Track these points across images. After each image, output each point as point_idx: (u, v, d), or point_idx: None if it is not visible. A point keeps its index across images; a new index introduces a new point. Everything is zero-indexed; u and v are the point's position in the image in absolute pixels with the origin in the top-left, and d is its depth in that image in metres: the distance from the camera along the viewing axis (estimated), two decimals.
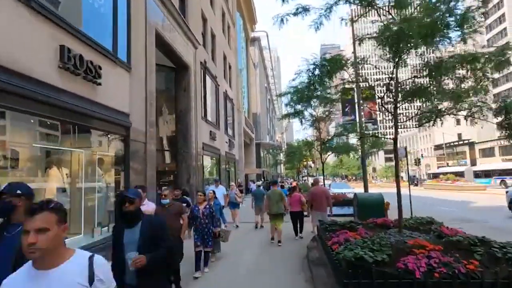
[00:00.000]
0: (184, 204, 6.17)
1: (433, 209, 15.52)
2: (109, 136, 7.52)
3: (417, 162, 40.98)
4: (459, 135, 74.50)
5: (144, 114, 8.66)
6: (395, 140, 5.28)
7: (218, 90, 18.60)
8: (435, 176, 44.46)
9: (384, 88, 5.15)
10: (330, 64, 4.53)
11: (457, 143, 68.83)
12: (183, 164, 12.75)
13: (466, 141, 65.81)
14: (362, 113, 15.93)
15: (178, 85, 13.09)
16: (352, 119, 15.67)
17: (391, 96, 5.22)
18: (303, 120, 15.99)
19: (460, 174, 37.44)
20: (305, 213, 8.77)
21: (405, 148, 11.72)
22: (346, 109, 16.30)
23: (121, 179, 7.89)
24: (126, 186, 7.65)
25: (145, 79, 8.84)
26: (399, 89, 5.08)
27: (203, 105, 15.16)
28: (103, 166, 7.81)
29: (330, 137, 14.93)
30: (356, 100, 14.54)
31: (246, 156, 34.07)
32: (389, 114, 5.41)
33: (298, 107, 16.96)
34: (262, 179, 37.98)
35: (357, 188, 29.69)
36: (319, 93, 16.21)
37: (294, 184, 25.49)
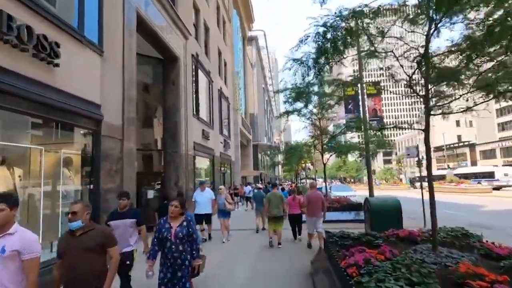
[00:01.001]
0: (133, 220, 4.30)
1: (439, 213, 14.33)
2: (76, 130, 6.33)
3: (419, 163, 39.87)
4: (459, 137, 73.62)
5: (120, 107, 7.47)
6: (426, 130, 4.12)
7: (212, 87, 17.42)
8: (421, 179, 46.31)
9: (414, 63, 3.98)
10: (350, 19, 3.37)
11: (457, 144, 67.91)
12: (171, 165, 11.53)
13: (467, 143, 64.85)
14: (366, 110, 14.82)
15: (166, 78, 11.91)
16: (356, 116, 14.55)
17: (420, 75, 4.06)
18: (303, 110, 14.93)
19: (443, 177, 40.42)
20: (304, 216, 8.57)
21: (417, 147, 10.59)
22: (349, 106, 15.16)
23: (94, 182, 6.68)
24: (95, 190, 6.45)
25: (123, 66, 7.65)
26: (433, 65, 3.93)
27: (195, 101, 13.98)
28: (72, 167, 6.61)
29: (333, 134, 13.73)
30: (361, 93, 13.38)
31: (243, 158, 32.87)
32: (416, 98, 4.24)
33: (297, 104, 15.98)
34: (260, 181, 36.83)
35: (359, 191, 28.54)
36: (318, 88, 15.20)
37: (293, 186, 24.35)
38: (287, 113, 15.75)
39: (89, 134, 6.48)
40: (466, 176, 37.20)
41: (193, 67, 13.90)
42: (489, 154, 58.32)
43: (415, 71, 4.03)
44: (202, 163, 16.11)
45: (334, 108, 15.45)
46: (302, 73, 4.11)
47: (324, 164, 14.67)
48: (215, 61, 18.93)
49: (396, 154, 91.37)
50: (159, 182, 11.49)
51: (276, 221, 7.89)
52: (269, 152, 39.78)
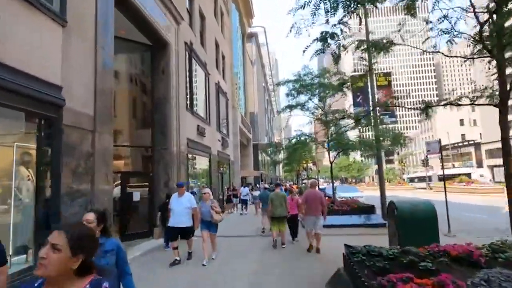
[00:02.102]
0: None
1: (458, 216, 13.07)
2: (29, 118, 5.05)
3: (425, 163, 38.64)
4: (463, 136, 72.06)
5: (92, 92, 6.19)
6: (502, 105, 2.83)
7: (209, 80, 16.14)
8: (411, 180, 52.61)
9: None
10: None
11: (461, 144, 66.44)
12: (160, 163, 10.25)
13: (472, 142, 63.32)
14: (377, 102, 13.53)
15: (155, 67, 10.63)
16: (366, 110, 13.25)
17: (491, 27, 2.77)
18: (307, 104, 13.63)
19: (429, 178, 45.62)
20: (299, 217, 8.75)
21: (439, 142, 9.29)
22: (358, 99, 13.91)
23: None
24: (53, 192, 5.16)
25: (95, 44, 6.37)
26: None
27: (189, 93, 12.69)
28: (29, 164, 5.32)
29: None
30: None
31: (243, 158, 31.58)
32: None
33: (301, 97, 14.66)
34: (262, 182, 35.51)
35: (365, 191, 27.23)
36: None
37: (294, 187, 23.12)
38: (290, 107, 14.42)
39: (46, 123, 5.19)
40: (448, 177, 42.61)
41: (187, 56, 12.62)
42: (495, 153, 56.80)
43: (487, 20, 2.73)
44: (198, 162, 14.83)
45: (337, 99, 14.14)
46: (326, 8, 2.78)
47: (331, 162, 13.36)
48: (212, 53, 17.66)
49: (398, 154, 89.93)
50: (147, 183, 10.19)
51: (280, 221, 7.85)
52: (269, 151, 38.29)
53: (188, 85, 12.75)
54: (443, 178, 9.53)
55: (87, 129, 5.95)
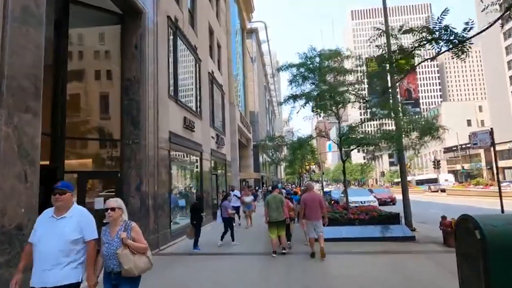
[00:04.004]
0: None
1: None
2: None
3: (436, 164, 36.43)
4: (470, 137, 69.50)
5: None
6: None
7: (200, 67, 14.01)
8: (397, 183, 56.18)
9: None
10: None
11: (469, 145, 63.99)
12: (131, 161, 8.08)
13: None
14: (398, 90, 11.37)
15: (126, 40, 8.49)
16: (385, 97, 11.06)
17: None
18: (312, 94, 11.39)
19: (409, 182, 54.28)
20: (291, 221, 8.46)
21: (491, 131, 7.11)
22: (376, 86, 11.73)
23: None
24: None
25: None
26: None
27: (172, 78, 10.57)
28: None
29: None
30: None
31: (242, 159, 29.40)
32: None
33: (307, 85, 12.47)
34: (262, 184, 33.41)
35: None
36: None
37: (297, 190, 20.98)
38: (294, 97, 12.22)
39: None
40: (422, 182, 48.35)
41: (170, 33, 10.51)
42: (507, 155, 54.44)
43: None
44: (185, 161, 12.68)
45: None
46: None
47: (344, 161, 11.16)
48: (204, 38, 15.55)
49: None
50: (114, 186, 8.03)
51: (278, 225, 7.45)
52: (271, 152, 36.03)
53: (172, 70, 10.65)
54: (498, 180, 7.30)
55: None
